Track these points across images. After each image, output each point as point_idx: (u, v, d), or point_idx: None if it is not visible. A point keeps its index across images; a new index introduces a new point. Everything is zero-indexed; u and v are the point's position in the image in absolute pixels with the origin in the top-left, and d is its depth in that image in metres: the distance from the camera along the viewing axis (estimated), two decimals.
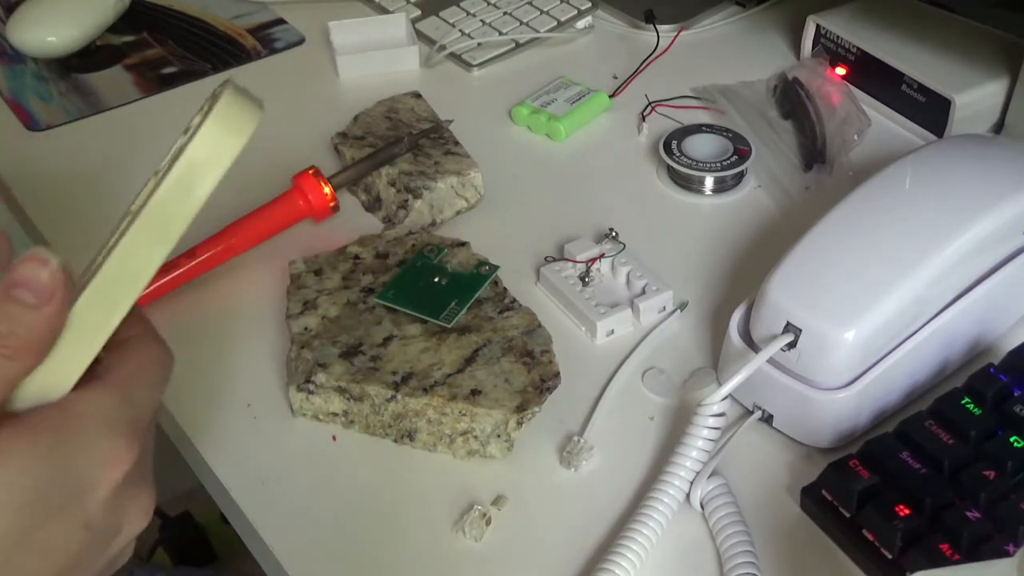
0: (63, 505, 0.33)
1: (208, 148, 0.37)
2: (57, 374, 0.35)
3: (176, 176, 0.36)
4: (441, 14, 0.86)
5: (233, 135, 0.37)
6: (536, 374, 0.55)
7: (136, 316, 0.37)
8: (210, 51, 0.84)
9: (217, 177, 0.37)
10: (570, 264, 0.62)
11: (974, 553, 0.44)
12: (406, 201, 0.66)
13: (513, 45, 0.83)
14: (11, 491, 0.32)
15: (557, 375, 0.55)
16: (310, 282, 0.61)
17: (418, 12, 0.87)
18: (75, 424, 0.34)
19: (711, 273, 0.64)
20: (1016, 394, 0.50)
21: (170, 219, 0.37)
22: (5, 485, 0.32)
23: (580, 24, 0.85)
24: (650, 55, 0.82)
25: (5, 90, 0.81)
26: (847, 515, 0.49)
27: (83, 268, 0.38)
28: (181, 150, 0.37)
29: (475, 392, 0.53)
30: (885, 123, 0.75)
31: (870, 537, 0.47)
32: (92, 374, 0.35)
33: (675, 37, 0.83)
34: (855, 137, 0.72)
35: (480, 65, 0.82)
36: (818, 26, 0.78)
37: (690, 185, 0.70)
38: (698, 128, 0.71)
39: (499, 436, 0.53)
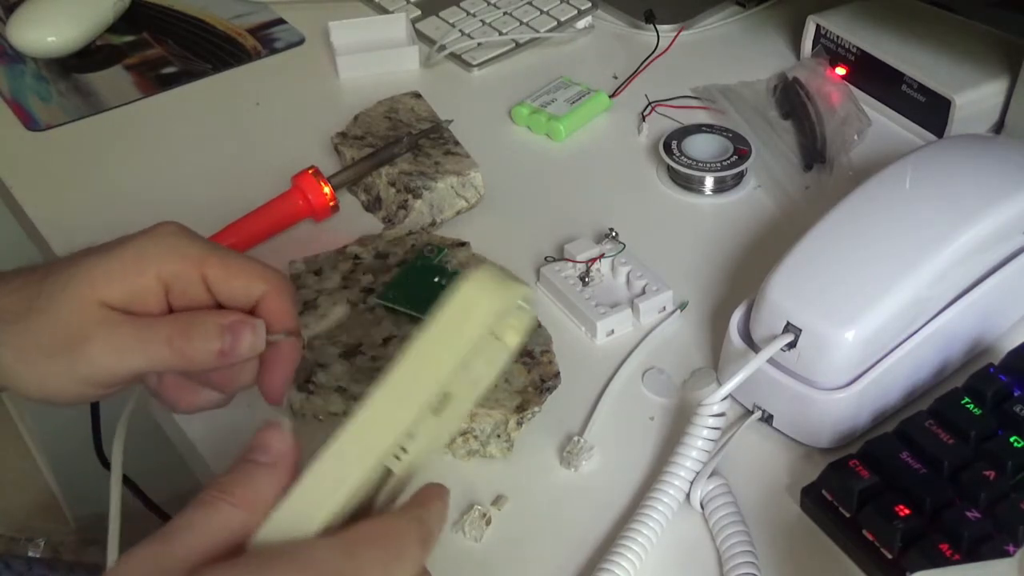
0: None
1: (473, 295, 0.38)
2: (298, 517, 0.36)
3: (440, 319, 0.37)
4: (441, 14, 0.86)
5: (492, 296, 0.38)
6: (536, 374, 0.55)
7: (422, 497, 0.39)
8: (210, 51, 0.84)
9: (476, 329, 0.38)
10: (570, 264, 0.62)
11: (974, 553, 0.44)
12: (406, 201, 0.66)
13: (513, 45, 0.83)
14: None
15: (557, 375, 0.55)
16: (310, 282, 0.61)
17: (418, 12, 0.87)
18: (295, 569, 0.35)
19: (711, 273, 0.64)
20: (1016, 394, 0.50)
21: (430, 365, 0.37)
22: None
23: (580, 24, 0.85)
24: (650, 55, 0.82)
25: (5, 90, 0.81)
26: (847, 515, 0.49)
27: None
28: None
29: None
30: (885, 123, 0.75)
31: (870, 537, 0.47)
32: (339, 529, 0.37)
33: (675, 37, 0.83)
34: (855, 137, 0.72)
35: (480, 65, 0.82)
36: (818, 26, 0.78)
37: (690, 185, 0.70)
38: (698, 128, 0.71)
39: (499, 436, 0.53)
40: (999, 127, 0.72)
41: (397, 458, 0.38)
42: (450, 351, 0.37)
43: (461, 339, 0.37)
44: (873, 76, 0.75)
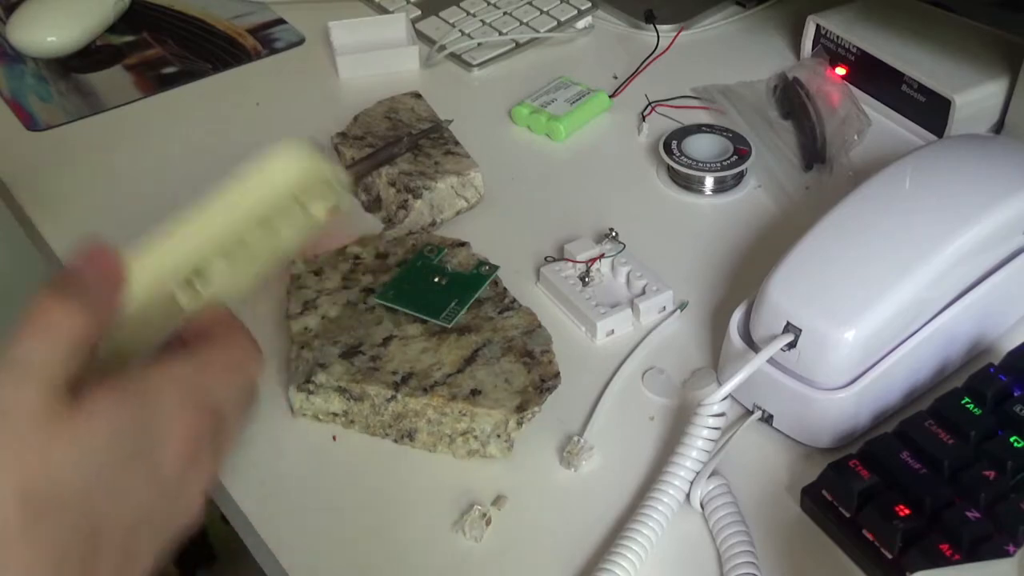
0: (137, 456, 0.36)
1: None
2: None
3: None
4: (441, 14, 0.86)
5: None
6: (536, 374, 0.55)
7: (226, 316, 0.41)
8: (210, 51, 0.84)
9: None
10: (570, 264, 0.62)
11: (974, 553, 0.44)
12: (406, 201, 0.66)
13: (513, 45, 0.83)
14: (95, 438, 0.35)
15: (557, 375, 0.55)
16: (310, 282, 0.61)
17: (418, 12, 0.87)
18: (153, 388, 0.37)
19: (711, 273, 0.64)
20: (1016, 394, 0.50)
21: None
22: (90, 432, 0.34)
23: (580, 24, 0.85)
24: (650, 55, 0.82)
25: (5, 90, 0.82)
26: (847, 515, 0.49)
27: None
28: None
29: (475, 392, 0.53)
30: (885, 123, 0.75)
31: (870, 537, 0.47)
32: (175, 353, 0.39)
33: (675, 37, 0.83)
34: (855, 137, 0.72)
35: (480, 65, 0.82)
36: (818, 26, 0.78)
37: (690, 185, 0.70)
38: (698, 128, 0.71)
39: (499, 436, 0.53)
40: (999, 127, 0.72)
41: (187, 292, 0.40)
42: (248, 200, 0.41)
43: (260, 192, 0.42)
44: (873, 76, 0.75)
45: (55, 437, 0.34)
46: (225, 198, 0.41)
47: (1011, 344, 0.54)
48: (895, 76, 0.73)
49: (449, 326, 0.57)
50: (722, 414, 0.51)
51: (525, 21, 0.84)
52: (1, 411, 0.33)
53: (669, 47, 0.83)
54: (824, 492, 0.50)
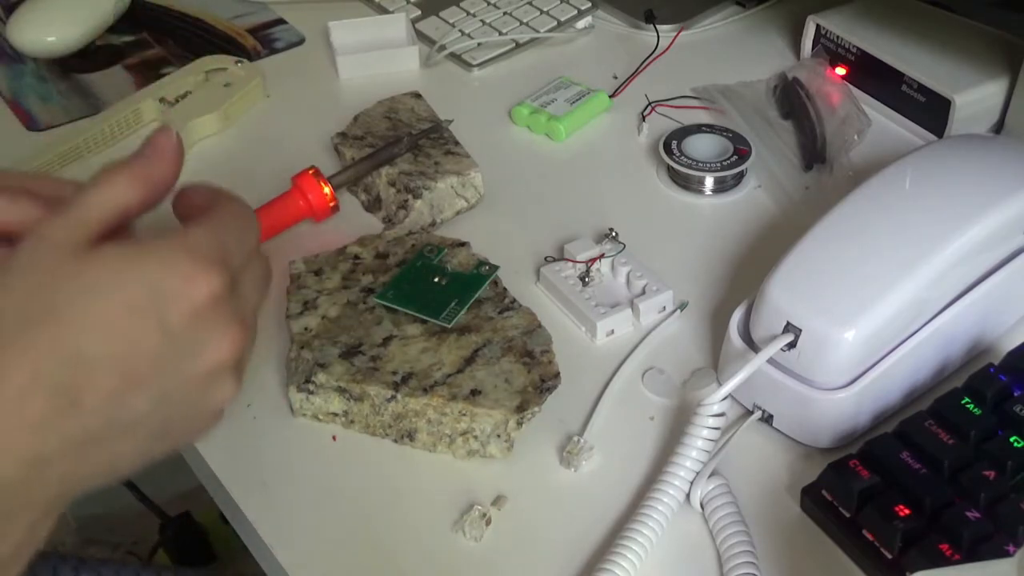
0: (143, 304, 0.37)
1: None
2: None
3: None
4: (441, 14, 0.86)
5: None
6: (536, 374, 0.55)
7: (224, 191, 0.43)
8: (210, 51, 0.84)
9: None
10: (570, 264, 0.62)
11: (974, 553, 0.44)
12: (406, 201, 0.66)
13: (513, 45, 0.83)
14: (105, 283, 0.37)
15: (557, 375, 0.55)
16: (310, 282, 0.61)
17: (418, 12, 0.87)
18: (167, 247, 0.38)
19: (711, 273, 0.64)
20: (1016, 394, 0.50)
21: None
22: (90, 277, 0.37)
23: (580, 24, 0.85)
24: (650, 55, 0.82)
25: (5, 90, 0.82)
26: (847, 515, 0.49)
27: None
28: None
29: (475, 392, 0.53)
30: (885, 123, 0.75)
31: (870, 537, 0.47)
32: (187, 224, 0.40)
33: (675, 37, 0.83)
34: (855, 137, 0.72)
35: (480, 65, 0.82)
36: (818, 26, 0.78)
37: (690, 185, 0.70)
38: (698, 128, 0.71)
39: (499, 436, 0.53)
40: (999, 127, 0.72)
41: None
42: None
43: None
44: (873, 76, 0.75)
45: (62, 262, 0.37)
46: None
47: (1011, 344, 0.54)
48: (895, 76, 0.73)
49: (449, 326, 0.57)
50: (722, 414, 0.51)
51: (525, 21, 0.84)
52: (36, 234, 0.38)
53: (669, 47, 0.83)
54: (824, 492, 0.50)
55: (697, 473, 0.51)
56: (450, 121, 0.72)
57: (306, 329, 0.58)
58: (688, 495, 0.51)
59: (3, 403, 0.35)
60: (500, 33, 0.83)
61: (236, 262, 0.40)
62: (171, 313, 0.37)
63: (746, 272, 0.63)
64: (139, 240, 0.39)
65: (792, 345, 0.51)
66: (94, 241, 0.38)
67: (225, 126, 0.76)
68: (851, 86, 0.76)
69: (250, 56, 0.84)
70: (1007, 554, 0.44)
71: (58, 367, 0.36)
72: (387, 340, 0.57)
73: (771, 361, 0.52)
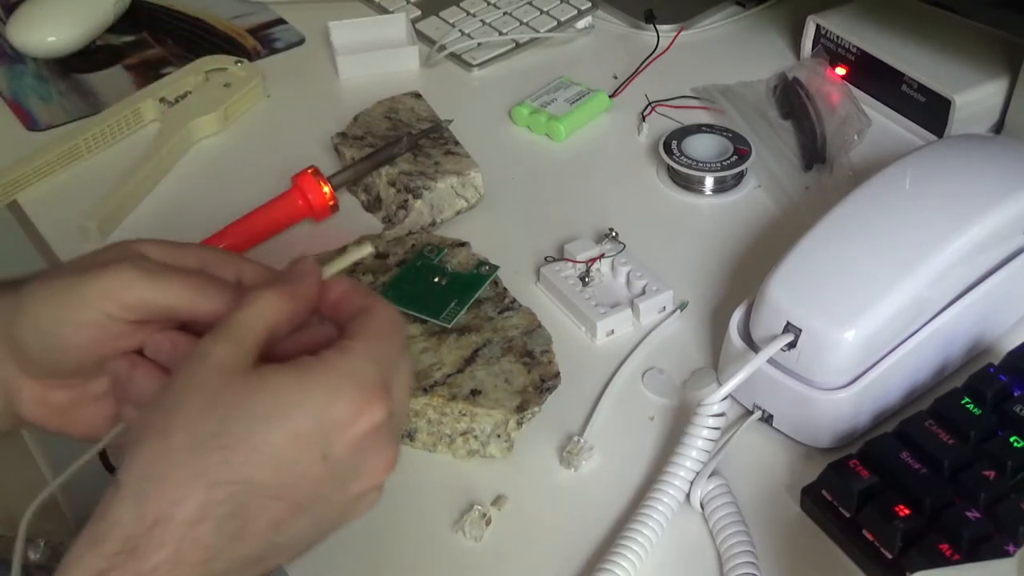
0: (310, 435, 0.38)
1: None
2: None
3: None
4: (441, 14, 0.86)
5: None
6: (536, 374, 0.55)
7: (365, 288, 0.44)
8: (210, 51, 0.84)
9: None
10: (570, 264, 0.62)
11: (974, 553, 0.44)
12: (406, 201, 0.66)
13: (513, 45, 0.83)
14: (274, 411, 0.37)
15: (557, 375, 0.55)
16: None
17: (418, 12, 0.87)
18: (332, 373, 0.39)
19: (711, 273, 0.64)
20: (1016, 394, 0.50)
21: None
22: (259, 404, 0.37)
23: (580, 24, 0.85)
24: (650, 55, 0.82)
25: (5, 90, 0.81)
26: (847, 515, 0.49)
27: None
28: None
29: (475, 392, 0.53)
30: (885, 123, 0.75)
31: (870, 537, 0.47)
32: (343, 336, 0.40)
33: (675, 37, 0.83)
34: (855, 137, 0.72)
35: (480, 65, 0.82)
36: (818, 26, 0.78)
37: (690, 185, 0.70)
38: (698, 128, 0.71)
39: (499, 436, 0.53)
40: (999, 127, 0.72)
41: None
42: None
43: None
44: (873, 76, 0.75)
45: (228, 384, 0.38)
46: None
47: (1011, 344, 0.54)
48: (895, 76, 0.73)
49: (449, 326, 0.57)
50: (722, 414, 0.51)
51: (525, 21, 0.84)
52: (200, 354, 0.38)
53: (669, 47, 0.83)
54: (824, 492, 0.50)
55: (697, 473, 0.51)
56: (450, 121, 0.72)
57: None
58: (688, 495, 0.51)
59: (176, 528, 0.36)
60: (500, 33, 0.83)
61: (393, 380, 0.40)
62: (336, 443, 0.38)
63: (746, 272, 0.63)
64: (301, 364, 0.39)
65: (792, 345, 0.51)
66: (256, 362, 0.39)
67: (225, 126, 0.76)
68: (851, 86, 0.76)
69: (250, 56, 0.84)
70: (1007, 554, 0.44)
71: (228, 496, 0.36)
72: None
73: (771, 361, 0.52)
